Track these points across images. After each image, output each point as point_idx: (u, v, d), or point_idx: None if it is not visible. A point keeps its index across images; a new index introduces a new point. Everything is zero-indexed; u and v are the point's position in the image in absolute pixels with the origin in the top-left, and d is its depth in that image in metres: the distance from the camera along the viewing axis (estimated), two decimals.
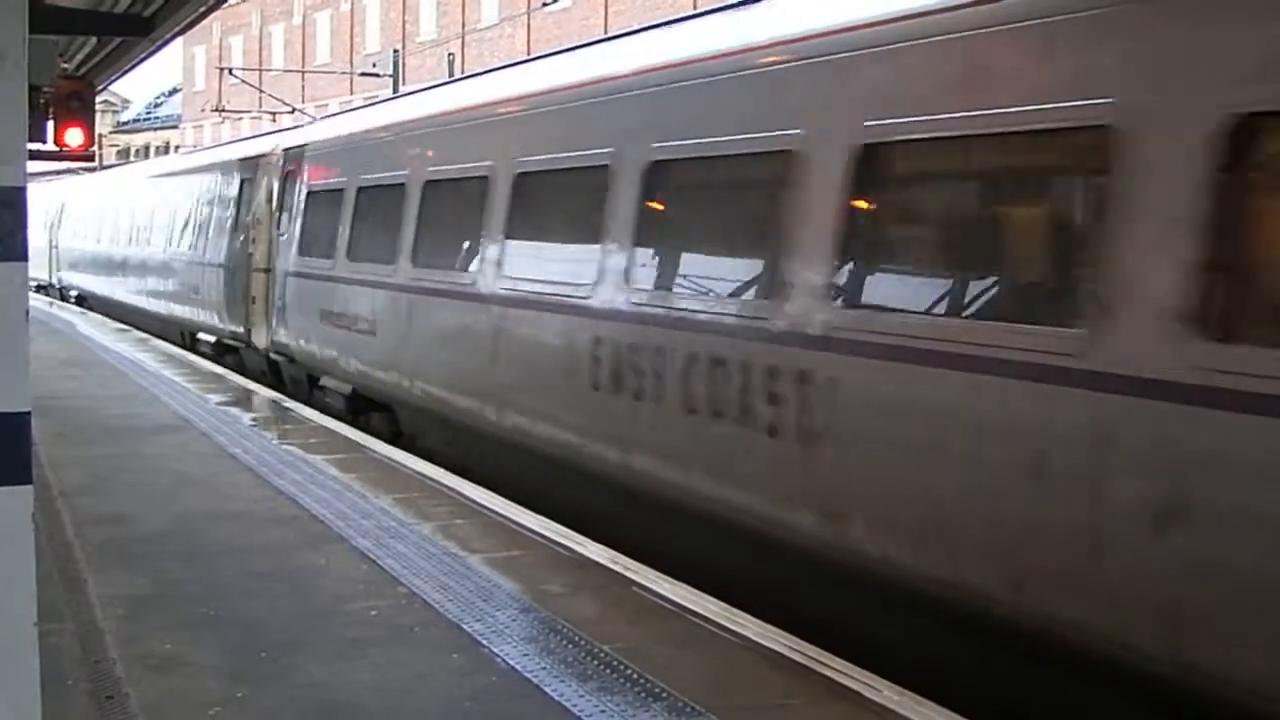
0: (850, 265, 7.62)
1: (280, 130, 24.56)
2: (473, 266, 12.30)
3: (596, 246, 10.07)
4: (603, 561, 8.65)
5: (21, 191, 4.17)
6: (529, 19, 52.70)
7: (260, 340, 19.40)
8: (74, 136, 15.86)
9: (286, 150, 19.14)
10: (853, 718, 6.07)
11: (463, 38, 55.74)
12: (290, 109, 44.20)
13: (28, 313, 4.24)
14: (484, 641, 6.97)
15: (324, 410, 15.53)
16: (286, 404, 16.14)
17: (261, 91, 49.97)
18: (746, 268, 8.83)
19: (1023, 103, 6.45)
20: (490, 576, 8.24)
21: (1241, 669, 5.29)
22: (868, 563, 7.25)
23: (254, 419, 14.67)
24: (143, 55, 16.99)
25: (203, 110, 72.19)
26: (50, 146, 16.27)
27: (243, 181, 21.24)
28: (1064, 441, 6.07)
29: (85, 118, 15.95)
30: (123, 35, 14.79)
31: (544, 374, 10.84)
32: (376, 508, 10.17)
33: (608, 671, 6.52)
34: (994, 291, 6.96)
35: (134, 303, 29.51)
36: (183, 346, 23.76)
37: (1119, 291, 5.86)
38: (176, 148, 73.30)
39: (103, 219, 34.70)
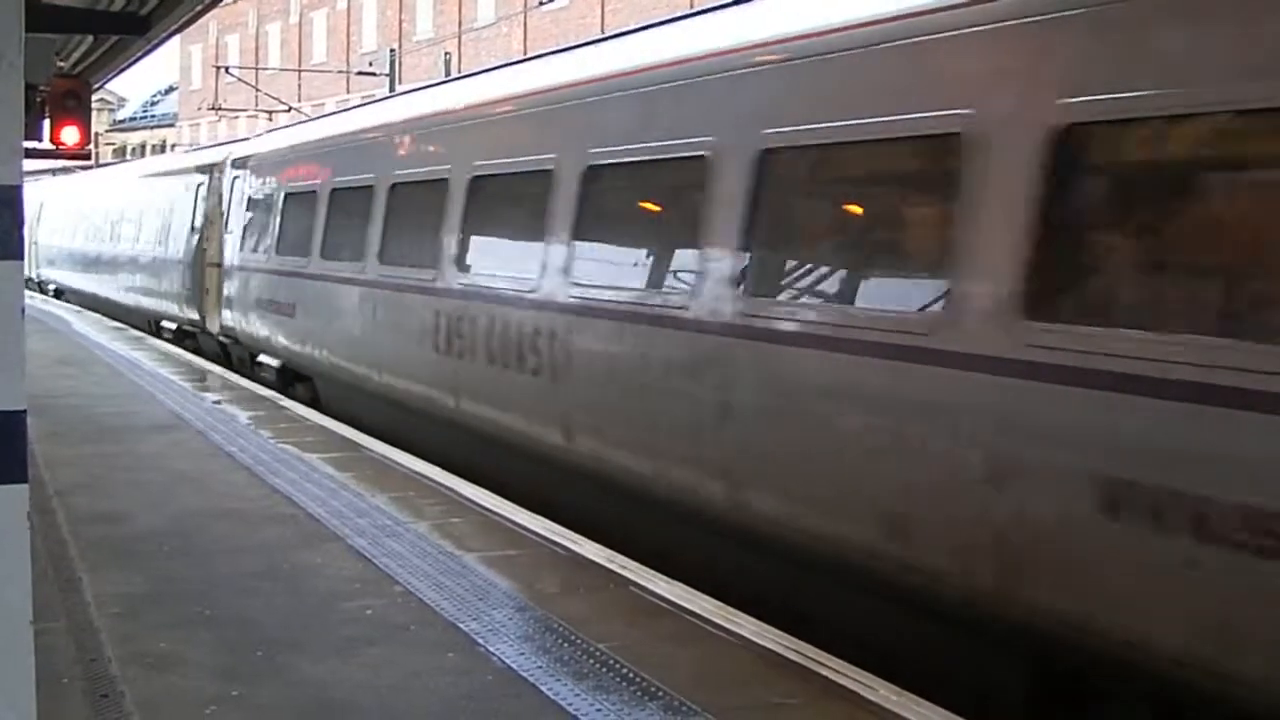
0: (581, 254, 10.49)
1: (232, 141, 26.83)
2: (359, 260, 15.18)
3: (440, 242, 12.90)
4: (599, 560, 8.66)
5: (18, 190, 4.17)
6: (525, 18, 52.71)
7: (213, 326, 22.48)
8: (70, 135, 15.86)
9: (234, 160, 22.02)
10: (849, 717, 6.07)
11: (459, 37, 55.75)
12: (286, 108, 44.20)
13: (23, 311, 4.24)
14: (480, 640, 6.97)
15: (261, 382, 18.38)
16: (282, 402, 16.13)
17: (258, 90, 49.97)
18: (523, 255, 11.37)
19: (887, 113, 7.22)
20: (486, 575, 8.24)
21: (1062, 603, 6.17)
22: (587, 460, 10.14)
23: (250, 418, 14.67)
24: (139, 54, 16.96)
25: (199, 109, 72.25)
26: (46, 145, 16.25)
27: (198, 186, 24.29)
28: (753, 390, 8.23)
29: (81, 116, 15.95)
30: (119, 34, 14.78)
31: (405, 343, 13.77)
32: (372, 506, 10.17)
33: (603, 670, 6.53)
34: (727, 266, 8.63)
35: (107, 295, 32.61)
36: (149, 332, 26.90)
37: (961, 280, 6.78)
38: (173, 146, 73.29)
39: (79, 219, 37.61)
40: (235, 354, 21.08)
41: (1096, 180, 6.48)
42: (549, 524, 9.69)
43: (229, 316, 20.84)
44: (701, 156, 8.90)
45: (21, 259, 4.18)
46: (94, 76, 18.67)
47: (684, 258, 9.22)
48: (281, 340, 18.16)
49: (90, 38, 16.05)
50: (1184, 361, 5.58)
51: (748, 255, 8.41)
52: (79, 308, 33.97)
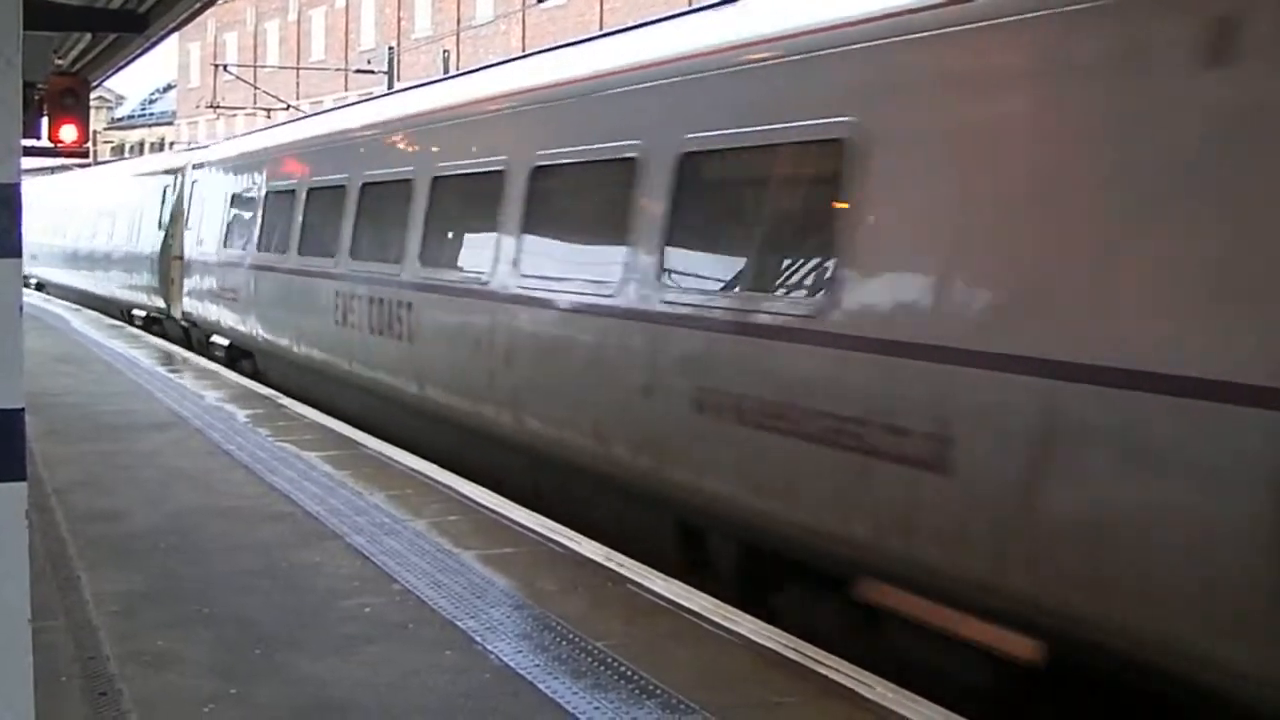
0: (427, 245, 13.40)
1: (196, 148, 30.18)
2: (284, 252, 18.01)
3: (340, 236, 15.86)
4: (596, 559, 8.66)
5: (16, 188, 4.17)
6: (524, 15, 52.70)
7: (176, 313, 25.46)
8: (68, 133, 15.86)
9: (194, 165, 25.13)
10: (847, 716, 6.08)
11: (458, 34, 55.76)
12: (285, 105, 44.18)
13: (21, 309, 4.24)
14: (477, 638, 6.98)
15: (214, 359, 21.32)
16: (281, 401, 16.13)
17: (256, 88, 49.96)
18: (390, 246, 14.22)
19: (785, 120, 8.26)
20: (484, 573, 8.25)
21: (679, 474, 8.89)
22: (432, 404, 13.02)
23: (249, 416, 14.67)
24: (137, 51, 16.97)
25: (198, 107, 72.25)
26: (45, 143, 16.25)
27: (164, 189, 27.18)
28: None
29: (80, 114, 15.94)
30: (117, 31, 14.78)
31: (315, 319, 16.57)
32: (370, 504, 10.18)
33: (601, 668, 6.53)
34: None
35: (85, 287, 35.51)
36: (123, 320, 29.71)
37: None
38: (172, 144, 73.28)
39: (60, 217, 39.84)
40: (195, 336, 23.94)
41: (696, 187, 9.14)
42: (547, 522, 9.70)
43: (188, 303, 23.81)
44: (500, 171, 11.81)
45: (20, 256, 4.18)
46: (92, 74, 18.68)
47: (486, 245, 11.98)
48: (228, 322, 21.19)
49: (88, 35, 16.05)
50: (726, 307, 8.46)
51: (519, 243, 11.36)
52: (63, 301, 35.44)
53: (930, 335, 6.82)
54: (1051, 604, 6.18)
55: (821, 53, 7.96)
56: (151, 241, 27.56)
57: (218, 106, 49.40)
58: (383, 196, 14.75)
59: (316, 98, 61.00)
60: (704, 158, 9.06)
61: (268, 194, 19.33)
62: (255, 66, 61.19)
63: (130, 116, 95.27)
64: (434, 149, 13.81)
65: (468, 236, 13.08)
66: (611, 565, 8.49)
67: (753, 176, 8.81)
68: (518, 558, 8.73)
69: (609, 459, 9.70)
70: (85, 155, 21.88)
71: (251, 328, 19.71)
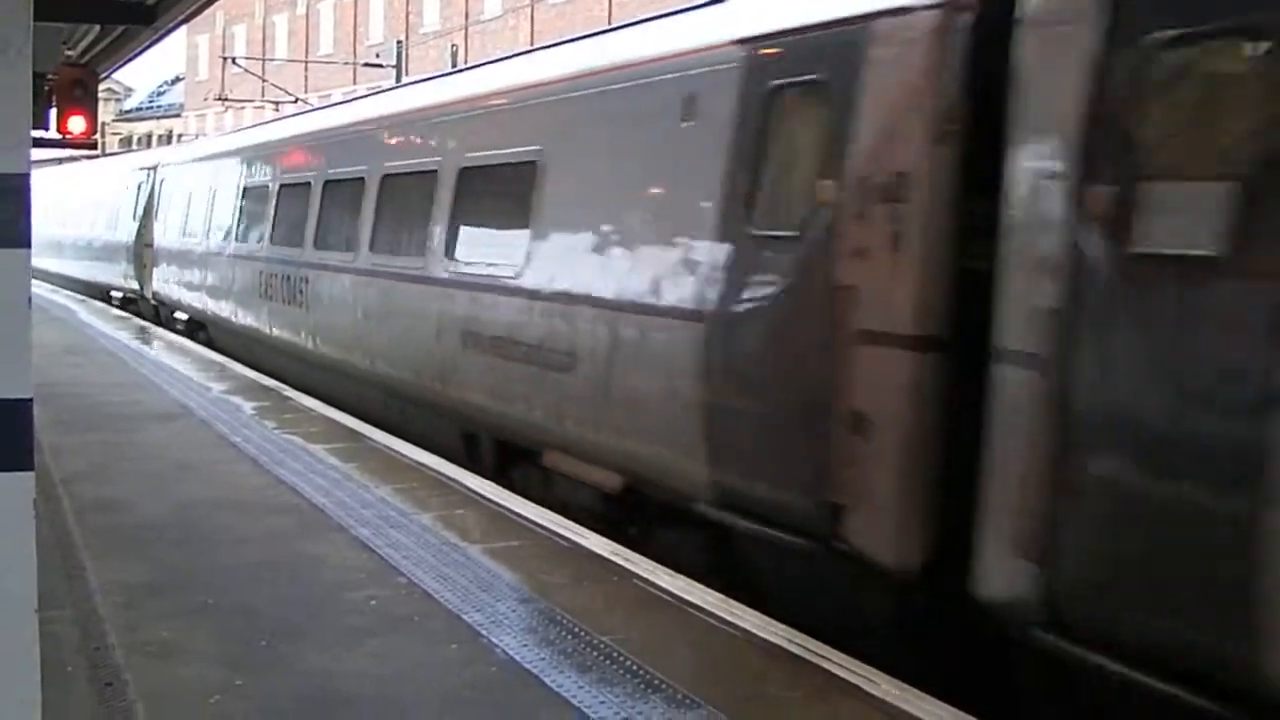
0: (319, 233, 17.13)
1: (166, 148, 34.76)
2: (225, 240, 21.93)
3: (265, 227, 19.64)
4: (602, 553, 8.67)
5: (25, 179, 4.17)
6: (532, 10, 52.69)
7: (147, 293, 28.66)
8: (76, 124, 15.84)
9: (164, 163, 28.69)
10: (851, 711, 6.08)
11: (466, 29, 55.75)
12: (293, 99, 44.20)
13: (30, 300, 4.24)
14: (483, 631, 6.98)
15: (176, 331, 24.87)
16: (287, 393, 16.14)
17: (264, 81, 50.02)
18: (296, 233, 17.92)
19: (511, 147, 11.95)
20: (490, 567, 8.25)
21: (455, 391, 12.54)
22: (322, 359, 16.72)
23: (255, 408, 14.68)
24: (146, 43, 16.94)
25: (205, 99, 72.22)
26: (53, 134, 16.25)
27: (140, 184, 30.22)
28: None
29: (88, 106, 15.93)
30: (126, 23, 14.76)
31: (248, 295, 20.29)
32: (376, 497, 10.18)
33: (607, 662, 6.54)
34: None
35: (69, 272, 39.03)
36: (101, 299, 32.99)
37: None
38: (179, 136, 73.31)
39: (50, 207, 41.22)
40: (163, 314, 27.39)
41: (467, 192, 12.85)
42: (553, 516, 9.71)
43: (157, 284, 27.50)
44: (360, 179, 15.86)
45: (29, 247, 4.18)
46: (101, 66, 18.66)
47: (349, 233, 15.77)
48: (186, 300, 24.89)
49: (97, 27, 16.04)
50: (474, 273, 12.26)
51: (372, 232, 15.15)
52: (51, 285, 37.66)
53: (563, 289, 10.54)
54: (623, 452, 9.66)
55: (527, 103, 11.98)
56: (130, 231, 30.97)
57: (226, 99, 49.36)
58: (287, 197, 19.06)
59: (325, 91, 61.02)
60: (472, 172, 12.73)
61: (215, 192, 23.25)
62: (263, 60, 61.20)
63: (138, 109, 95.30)
64: (280, 166, 19.79)
65: (340, 226, 16.75)
66: (618, 560, 8.49)
67: (495, 186, 12.40)
68: (524, 551, 8.73)
69: (421, 387, 13.38)
70: (93, 147, 21.61)
71: (203, 304, 23.51)
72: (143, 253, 29.36)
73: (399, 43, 45.86)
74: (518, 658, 6.59)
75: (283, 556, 8.45)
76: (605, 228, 10.20)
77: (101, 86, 18.10)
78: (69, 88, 15.68)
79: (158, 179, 28.88)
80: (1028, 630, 6.16)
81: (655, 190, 9.64)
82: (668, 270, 9.16)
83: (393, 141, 15.32)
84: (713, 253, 8.64)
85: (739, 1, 9.51)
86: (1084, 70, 5.98)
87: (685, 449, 8.80)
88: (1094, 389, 5.84)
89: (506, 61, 14.28)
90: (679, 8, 10.38)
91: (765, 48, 8.50)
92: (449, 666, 6.50)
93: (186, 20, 14.94)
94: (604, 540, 9.00)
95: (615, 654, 6.65)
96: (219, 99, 51.13)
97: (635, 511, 9.80)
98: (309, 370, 17.51)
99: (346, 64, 56.18)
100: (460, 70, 16.72)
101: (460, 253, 12.80)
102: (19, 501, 4.19)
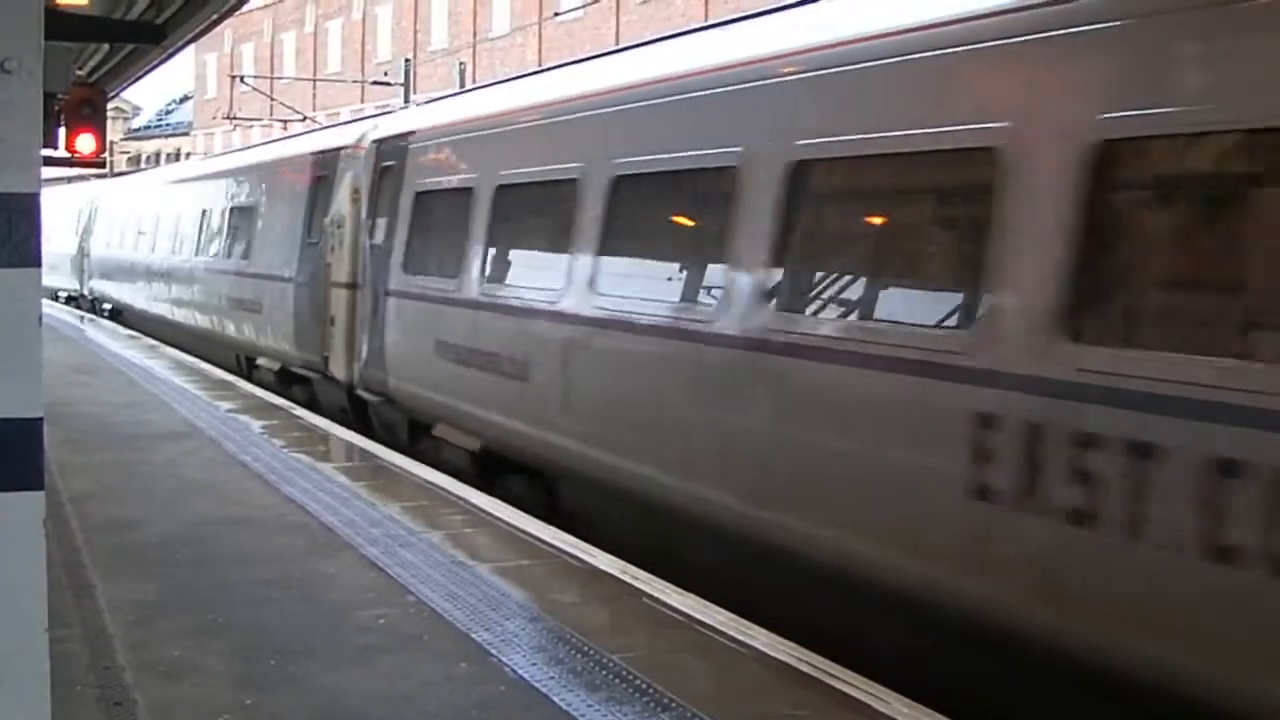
0: (240, 244, 22.82)
1: (357, 120, 21.25)
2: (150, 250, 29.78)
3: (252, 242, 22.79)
4: (612, 572, 8.65)
5: (35, 198, 4.17)
6: (540, 29, 52.75)
7: (340, 370, 16.96)
8: (85, 143, 15.88)
9: (380, 142, 16.67)
10: None
11: (474, 47, 55.81)
12: (301, 117, 44.27)
13: (40, 318, 4.25)
14: (492, 650, 6.97)
15: (440, 467, 12.90)
16: (295, 411, 16.15)
17: (273, 99, 50.11)
18: (231, 245, 22.94)
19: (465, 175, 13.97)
20: (499, 586, 8.24)
21: (407, 386, 14.86)
22: (267, 351, 20.74)
23: (263, 426, 14.69)
24: (155, 62, 17.03)
25: (214, 117, 72.42)
26: (62, 153, 16.28)
27: (316, 180, 18.78)
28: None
29: (97, 124, 15.97)
30: (135, 42, 14.82)
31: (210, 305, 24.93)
32: (385, 516, 10.18)
33: (617, 681, 6.52)
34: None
35: (179, 319, 27.23)
36: (236, 373, 21.65)
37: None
38: (187, 155, 73.41)
39: (140, 220, 31.76)
40: (382, 417, 15.95)
41: (424, 216, 14.81)
42: (563, 535, 9.69)
43: (375, 362, 15.72)
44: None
45: (40, 266, 4.18)
46: (110, 85, 18.73)
47: (243, 244, 21.81)
48: (113, 294, 35.23)
49: (106, 46, 16.10)
50: (440, 289, 13.83)
51: (243, 243, 21.59)
52: (93, 318, 33.68)
53: (514, 301, 11.95)
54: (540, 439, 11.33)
55: (478, 134, 14.12)
56: (291, 260, 20.36)
57: (234, 118, 49.47)
58: (229, 211, 24.15)
59: (333, 109, 61.11)
60: (430, 197, 14.46)
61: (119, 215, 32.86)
62: (272, 78, 61.29)
63: (146, 127, 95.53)
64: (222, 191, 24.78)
65: (244, 240, 22.45)
66: (627, 579, 8.48)
67: (448, 209, 13.81)
68: (533, 570, 8.72)
69: (404, 393, 14.77)
70: (101, 165, 21.61)
71: (122, 295, 32.54)
72: (329, 298, 17.53)
73: (407, 61, 45.92)
74: (527, 677, 6.57)
75: (292, 575, 8.44)
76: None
77: (110, 105, 18.13)
78: (78, 106, 15.72)
79: (369, 169, 16.66)
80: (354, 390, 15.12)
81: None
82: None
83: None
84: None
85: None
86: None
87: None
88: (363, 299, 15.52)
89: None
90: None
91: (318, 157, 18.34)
92: (458, 685, 6.48)
93: (195, 39, 15.01)
94: (613, 559, 8.98)
95: (625, 673, 6.63)
96: (227, 117, 51.24)
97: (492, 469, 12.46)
98: (219, 349, 24.23)
99: (355, 82, 56.26)
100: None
101: (424, 267, 14.69)
102: (30, 521, 4.19)
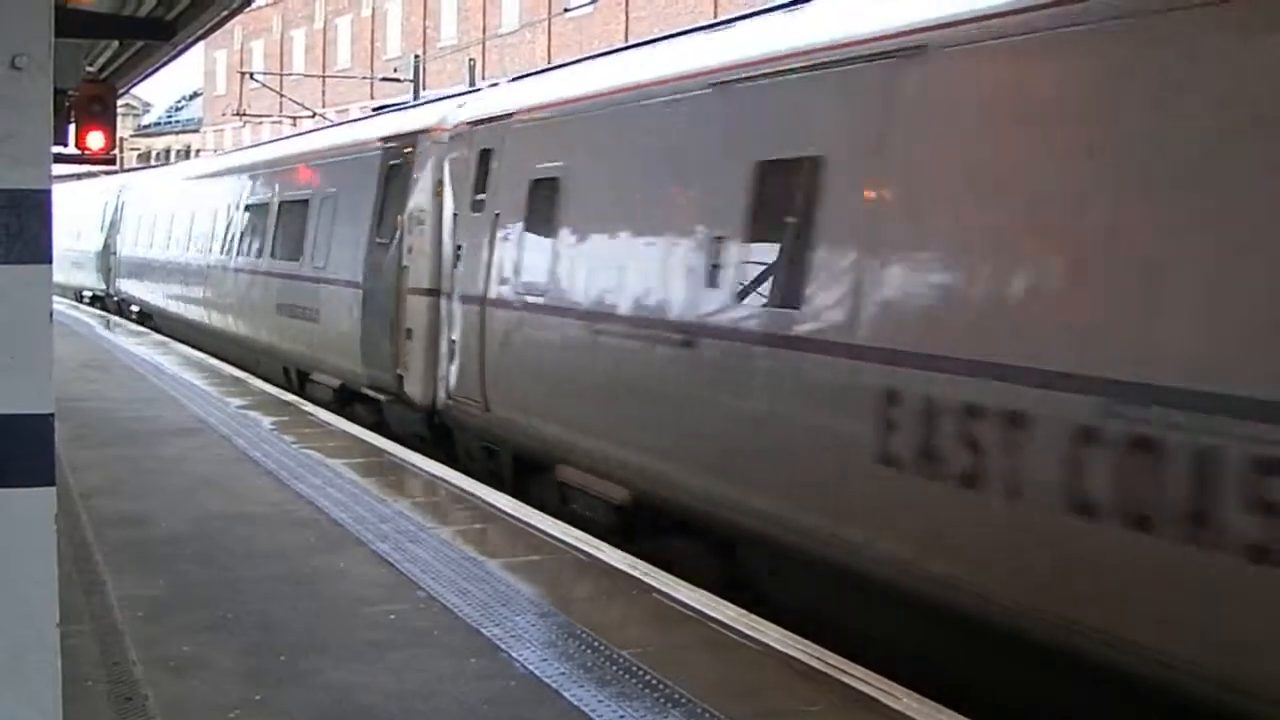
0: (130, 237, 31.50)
1: (428, 101, 19.54)
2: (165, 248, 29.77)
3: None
4: (622, 567, 8.65)
5: (47, 194, 4.18)
6: (550, 25, 52.75)
7: (417, 391, 14.85)
8: (95, 140, 15.86)
9: (477, 124, 14.21)
10: None
11: (483, 43, 55.79)
12: (311, 113, 44.30)
13: (51, 314, 4.25)
14: (502, 646, 6.97)
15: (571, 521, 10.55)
16: (305, 408, 16.16)
17: (282, 96, 50.11)
18: (281, 244, 21.16)
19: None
20: (509, 581, 8.24)
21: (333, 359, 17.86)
22: (324, 366, 18.43)
23: (274, 423, 14.69)
24: (165, 59, 16.99)
25: (224, 114, 72.39)
26: (71, 150, 16.29)
27: (389, 170, 16.49)
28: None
29: (106, 121, 15.96)
30: (145, 39, 14.81)
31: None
32: (395, 511, 10.18)
33: (627, 677, 6.52)
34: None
35: (220, 325, 24.83)
36: (285, 387, 19.28)
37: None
38: (198, 151, 73.46)
39: (176, 218, 28.94)
40: (468, 445, 13.93)
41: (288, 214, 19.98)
42: (572, 530, 9.69)
43: (465, 383, 13.47)
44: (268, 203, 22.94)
45: (50, 262, 4.19)
46: (120, 82, 18.73)
47: (296, 243, 20.04)
48: (140, 294, 33.75)
49: (116, 43, 16.09)
50: (285, 270, 20.10)
51: (297, 242, 20.02)
52: (103, 314, 33.62)
53: (346, 276, 16.49)
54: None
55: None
56: (357, 262, 18.46)
57: (244, 114, 49.51)
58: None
59: (342, 105, 61.14)
60: (555, 187, 11.47)
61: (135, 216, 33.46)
62: (281, 74, 61.33)
63: (156, 124, 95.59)
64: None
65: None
66: (637, 574, 8.47)
67: (584, 201, 11.19)
68: (543, 566, 8.72)
69: (513, 426, 12.25)
70: (112, 162, 21.54)
71: (152, 297, 31.53)
72: (403, 308, 15.19)
73: (416, 57, 45.93)
74: (537, 672, 6.57)
75: (302, 571, 8.45)
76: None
77: (120, 102, 18.13)
78: (87, 103, 15.72)
79: (467, 156, 13.97)
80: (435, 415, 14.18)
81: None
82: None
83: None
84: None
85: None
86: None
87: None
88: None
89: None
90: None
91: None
92: (469, 680, 6.49)
93: (205, 36, 14.99)
94: (623, 554, 8.98)
95: (635, 668, 6.63)
96: (237, 114, 51.27)
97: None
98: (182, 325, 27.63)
99: (364, 78, 56.28)
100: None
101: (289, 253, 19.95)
102: (40, 516, 4.19)
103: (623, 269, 10.58)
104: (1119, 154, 6.35)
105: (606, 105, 11.48)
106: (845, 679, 6.59)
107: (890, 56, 7.84)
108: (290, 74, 64.00)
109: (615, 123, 11.24)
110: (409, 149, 15.81)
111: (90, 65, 17.05)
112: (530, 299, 11.92)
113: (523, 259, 12.24)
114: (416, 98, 32.65)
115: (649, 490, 10.00)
